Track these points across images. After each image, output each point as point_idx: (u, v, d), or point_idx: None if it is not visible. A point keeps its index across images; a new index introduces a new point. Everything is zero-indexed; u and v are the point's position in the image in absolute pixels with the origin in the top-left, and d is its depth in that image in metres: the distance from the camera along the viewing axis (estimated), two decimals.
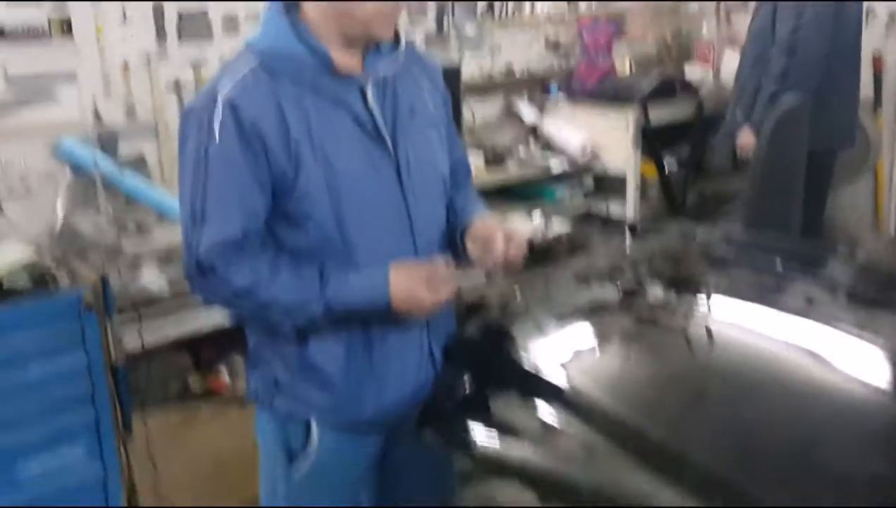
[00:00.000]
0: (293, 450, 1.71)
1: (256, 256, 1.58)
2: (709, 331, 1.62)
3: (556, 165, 4.01)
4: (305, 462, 1.70)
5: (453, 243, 1.79)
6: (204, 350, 3.09)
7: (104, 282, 2.67)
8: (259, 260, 1.58)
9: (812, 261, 2.06)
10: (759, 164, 3.15)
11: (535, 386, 1.57)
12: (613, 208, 4.07)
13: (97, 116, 3.09)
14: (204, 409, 3.03)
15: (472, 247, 1.74)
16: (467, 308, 1.91)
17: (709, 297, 1.77)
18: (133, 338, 2.78)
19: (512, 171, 3.93)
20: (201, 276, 1.57)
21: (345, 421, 1.69)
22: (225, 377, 3.10)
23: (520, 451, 1.48)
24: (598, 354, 1.67)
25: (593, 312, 1.76)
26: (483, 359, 1.74)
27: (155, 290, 2.81)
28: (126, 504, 2.75)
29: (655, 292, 1.80)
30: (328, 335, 1.64)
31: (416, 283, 1.60)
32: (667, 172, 4.12)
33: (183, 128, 1.60)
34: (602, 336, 1.71)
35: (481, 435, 1.56)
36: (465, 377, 1.70)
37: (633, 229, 3.93)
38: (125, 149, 3.11)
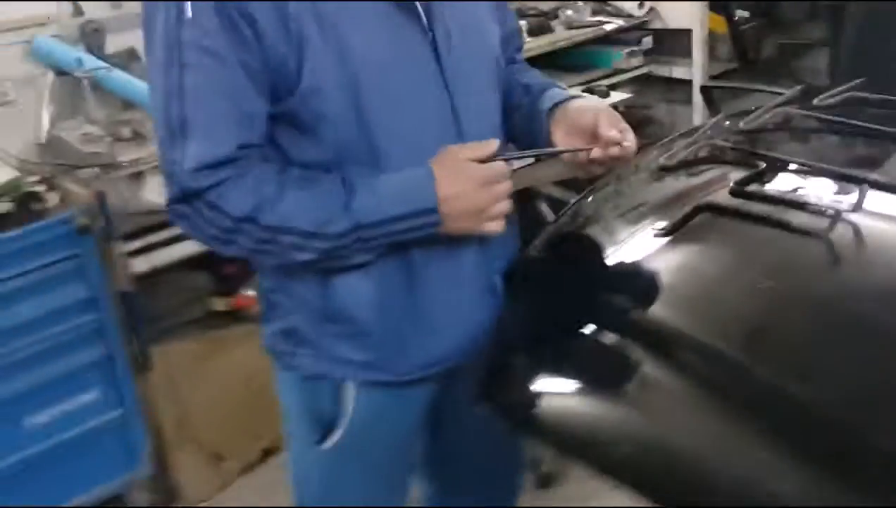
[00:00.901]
0: (324, 416, 1.35)
1: (258, 173, 1.18)
2: (857, 233, 1.19)
3: (610, 23, 3.50)
4: (339, 430, 1.34)
5: (527, 135, 1.39)
6: (225, 266, 2.73)
7: (101, 200, 2.30)
8: (262, 177, 1.18)
9: None
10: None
11: (631, 322, 1.19)
12: (677, 70, 3.58)
13: (76, 6, 2.64)
14: (231, 331, 2.70)
15: (565, 137, 1.33)
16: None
17: (840, 183, 1.34)
18: (141, 261, 2.43)
19: (559, 34, 3.43)
20: (189, 207, 1.18)
21: (385, 379, 1.32)
22: (251, 293, 2.75)
23: (614, 423, 1.09)
24: (709, 274, 1.26)
25: (690, 214, 1.34)
26: (558, 286, 1.35)
27: (160, 204, 2.43)
28: (151, 447, 2.47)
29: (765, 179, 1.38)
30: (356, 271, 1.25)
31: (468, 177, 1.19)
32: (737, 23, 3.59)
33: (147, 12, 1.18)
34: (711, 248, 1.30)
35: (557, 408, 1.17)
36: (534, 315, 1.32)
37: (706, 92, 3.45)
38: (113, 43, 2.65)
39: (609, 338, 1.21)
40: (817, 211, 1.23)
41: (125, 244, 2.37)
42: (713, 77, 3.52)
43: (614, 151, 1.27)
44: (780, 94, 2.63)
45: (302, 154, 1.22)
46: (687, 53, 3.49)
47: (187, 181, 1.15)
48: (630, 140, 1.28)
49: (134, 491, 2.47)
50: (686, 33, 3.48)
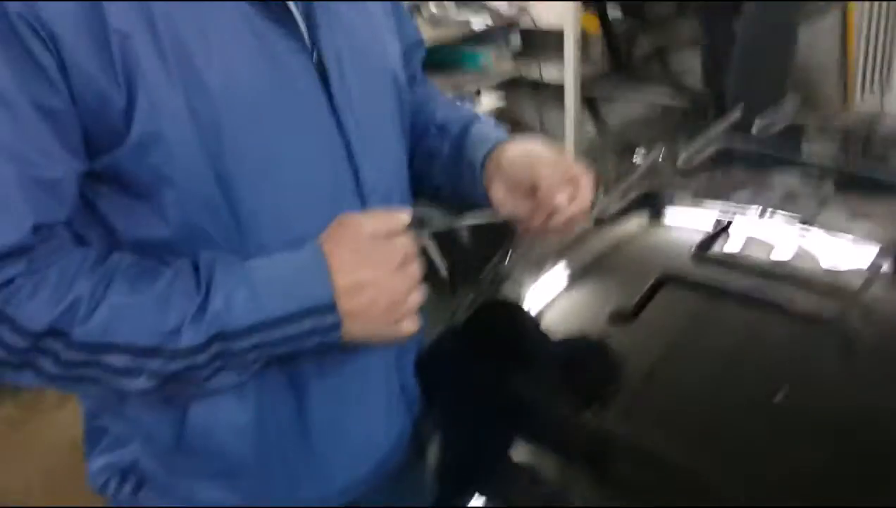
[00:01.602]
0: None
1: (67, 264, 0.80)
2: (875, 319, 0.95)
3: (478, 21, 3.22)
4: None
5: (455, 190, 1.07)
6: None
7: None
8: (73, 270, 0.80)
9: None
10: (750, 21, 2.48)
11: (581, 439, 0.91)
12: (548, 72, 3.34)
13: None
14: (48, 393, 2.28)
15: (507, 195, 1.00)
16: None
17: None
18: None
19: (424, 33, 3.12)
20: None
21: None
22: None
23: None
24: (690, 376, 0.98)
25: (651, 291, 1.06)
26: (484, 383, 1.04)
27: None
28: None
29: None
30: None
31: (378, 259, 0.85)
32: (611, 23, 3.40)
33: None
34: (683, 336, 1.02)
35: None
36: (459, 426, 1.02)
37: (591, 102, 3.25)
38: None
39: (549, 461, 0.92)
40: (816, 287, 0.98)
41: None
42: (585, 80, 3.31)
43: (558, 219, 0.97)
44: (670, 106, 2.44)
45: (135, 229, 0.85)
46: (558, 55, 3.27)
47: None
48: (582, 198, 0.98)
49: None
50: (558, 34, 3.25)
